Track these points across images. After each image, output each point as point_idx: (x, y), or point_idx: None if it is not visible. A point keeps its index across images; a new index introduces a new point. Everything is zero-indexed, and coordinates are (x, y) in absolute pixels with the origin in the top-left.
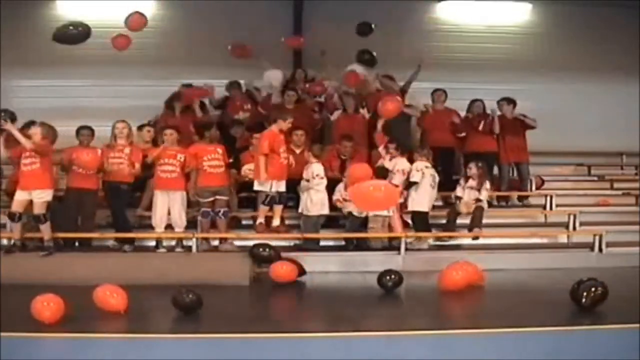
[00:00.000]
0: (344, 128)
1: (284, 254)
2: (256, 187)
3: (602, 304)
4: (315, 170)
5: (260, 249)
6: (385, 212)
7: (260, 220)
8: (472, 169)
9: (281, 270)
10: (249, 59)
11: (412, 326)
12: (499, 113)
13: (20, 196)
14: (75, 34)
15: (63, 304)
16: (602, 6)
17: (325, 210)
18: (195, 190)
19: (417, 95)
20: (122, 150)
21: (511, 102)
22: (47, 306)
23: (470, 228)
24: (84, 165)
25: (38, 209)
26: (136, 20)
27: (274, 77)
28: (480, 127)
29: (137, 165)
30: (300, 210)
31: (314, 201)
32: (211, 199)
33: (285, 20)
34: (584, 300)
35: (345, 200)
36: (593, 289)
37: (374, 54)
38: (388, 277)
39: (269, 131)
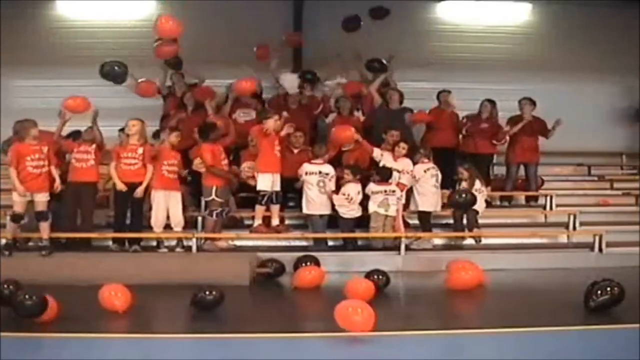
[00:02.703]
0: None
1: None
2: (259, 187)
3: (618, 305)
4: (303, 168)
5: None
6: (388, 212)
7: (259, 221)
8: (463, 173)
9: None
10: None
11: (412, 326)
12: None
13: (22, 198)
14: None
15: (56, 303)
16: (602, 6)
17: (325, 210)
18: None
19: (418, 96)
20: (134, 150)
21: (533, 103)
22: None
23: (469, 229)
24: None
25: (41, 207)
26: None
27: (289, 80)
28: (497, 141)
29: (150, 166)
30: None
31: (309, 199)
32: (224, 199)
33: (285, 20)
34: (592, 300)
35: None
36: (609, 289)
37: (384, 61)
38: (375, 277)
39: (259, 125)
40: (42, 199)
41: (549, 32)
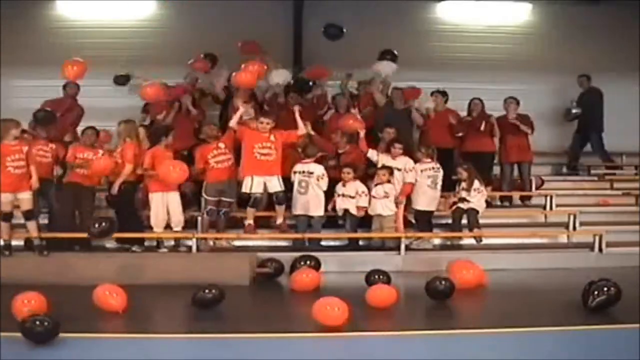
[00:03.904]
0: (336, 128)
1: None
2: (242, 189)
3: (615, 305)
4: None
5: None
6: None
7: (249, 221)
8: (462, 173)
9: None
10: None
11: (412, 326)
12: (496, 115)
13: (7, 198)
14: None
15: (45, 301)
16: (602, 6)
17: (304, 211)
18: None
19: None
20: (117, 149)
21: (518, 102)
22: (28, 304)
23: (470, 230)
24: (94, 171)
25: (27, 206)
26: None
27: (279, 75)
28: (482, 128)
29: (128, 165)
30: None
31: (294, 199)
32: (217, 198)
33: (286, 20)
34: (590, 300)
35: (343, 195)
36: (606, 289)
37: (395, 52)
38: (376, 277)
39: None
40: (25, 196)
41: (549, 32)
